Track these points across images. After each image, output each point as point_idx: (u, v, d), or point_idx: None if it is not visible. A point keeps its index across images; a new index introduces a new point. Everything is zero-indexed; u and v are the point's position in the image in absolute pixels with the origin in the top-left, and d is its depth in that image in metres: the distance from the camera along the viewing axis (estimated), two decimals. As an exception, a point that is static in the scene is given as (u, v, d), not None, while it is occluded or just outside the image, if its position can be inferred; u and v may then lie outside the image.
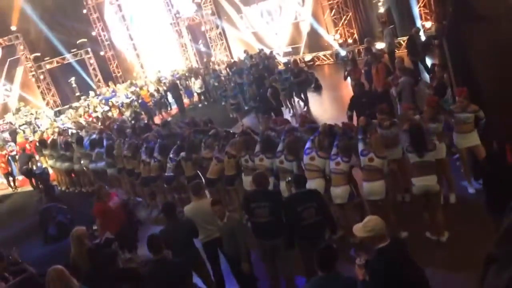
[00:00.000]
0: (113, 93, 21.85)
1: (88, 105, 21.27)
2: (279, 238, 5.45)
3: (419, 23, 15.03)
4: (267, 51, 18.80)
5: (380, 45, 14.53)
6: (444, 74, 7.52)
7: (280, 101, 11.83)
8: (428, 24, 15.11)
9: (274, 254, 5.59)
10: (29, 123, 20.77)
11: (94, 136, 12.22)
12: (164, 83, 20.53)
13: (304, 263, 5.41)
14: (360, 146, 6.14)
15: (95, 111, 19.68)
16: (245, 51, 19.41)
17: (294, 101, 13.47)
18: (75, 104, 22.59)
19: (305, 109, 13.02)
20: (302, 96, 13.31)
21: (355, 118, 8.53)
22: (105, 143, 11.08)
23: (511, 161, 4.85)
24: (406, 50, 13.63)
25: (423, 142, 5.79)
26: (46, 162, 14.07)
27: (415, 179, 5.88)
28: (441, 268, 5.33)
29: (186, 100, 19.49)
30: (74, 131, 15.77)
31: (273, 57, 18.05)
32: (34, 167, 13.99)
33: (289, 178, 6.29)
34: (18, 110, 23.35)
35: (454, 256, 5.55)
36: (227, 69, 18.75)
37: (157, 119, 17.59)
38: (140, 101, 18.60)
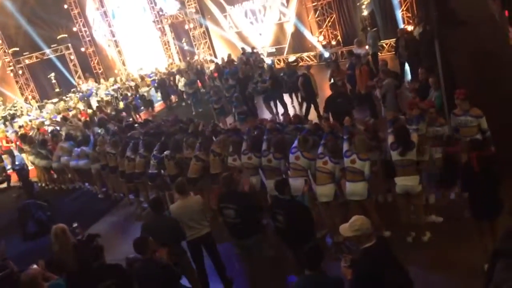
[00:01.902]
0: (91, 90, 21.54)
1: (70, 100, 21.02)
2: (249, 239, 5.54)
3: (401, 26, 15.22)
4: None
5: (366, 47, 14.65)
6: (428, 77, 7.63)
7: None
8: (410, 28, 15.31)
9: (248, 252, 5.69)
10: (18, 116, 20.36)
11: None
12: (154, 79, 20.27)
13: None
14: (345, 147, 6.21)
15: (74, 109, 19.39)
16: (242, 49, 18.98)
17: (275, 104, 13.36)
18: (68, 97, 22.16)
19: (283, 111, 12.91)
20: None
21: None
22: (92, 139, 10.94)
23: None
24: (389, 53, 13.89)
25: (407, 141, 5.89)
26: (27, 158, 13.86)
27: (397, 178, 5.97)
28: (423, 267, 5.41)
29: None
30: (52, 128, 15.52)
31: (250, 62, 17.05)
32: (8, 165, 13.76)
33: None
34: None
35: (435, 255, 5.65)
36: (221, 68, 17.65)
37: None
38: (121, 97, 18.42)
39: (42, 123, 16.92)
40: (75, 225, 6.01)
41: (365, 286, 3.72)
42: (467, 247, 5.51)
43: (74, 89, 22.68)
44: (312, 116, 10.24)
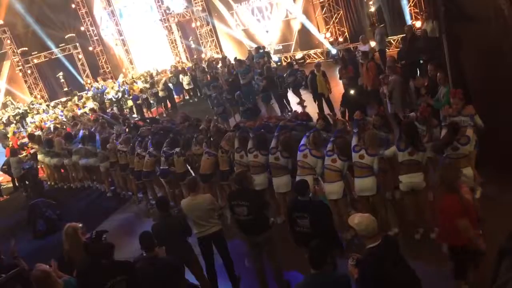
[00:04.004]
0: (104, 87, 21.67)
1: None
2: (261, 235, 5.53)
3: (409, 22, 15.14)
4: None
5: (371, 44, 14.59)
6: (436, 73, 7.58)
7: (316, 89, 11.51)
8: (418, 24, 15.21)
9: (259, 249, 5.67)
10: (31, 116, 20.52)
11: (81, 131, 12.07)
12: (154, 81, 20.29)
13: None
14: (353, 141, 6.18)
15: (83, 107, 19.51)
16: (256, 48, 18.62)
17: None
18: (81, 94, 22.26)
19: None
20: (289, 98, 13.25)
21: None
22: (97, 136, 10.99)
23: None
24: (397, 49, 13.78)
25: (417, 139, 5.85)
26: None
27: (402, 176, 5.92)
28: (432, 264, 5.39)
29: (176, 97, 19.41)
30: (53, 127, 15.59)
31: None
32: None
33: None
34: (5, 104, 23.10)
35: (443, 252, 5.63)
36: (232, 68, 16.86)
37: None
38: (131, 96, 18.53)
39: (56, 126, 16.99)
40: (80, 225, 6.00)
41: (369, 286, 3.73)
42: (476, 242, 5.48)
43: (94, 86, 22.58)
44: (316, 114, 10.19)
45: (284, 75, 13.18)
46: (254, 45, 19.88)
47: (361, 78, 11.28)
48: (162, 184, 9.20)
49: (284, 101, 12.93)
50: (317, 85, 11.45)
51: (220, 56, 21.66)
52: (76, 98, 21.27)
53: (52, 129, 14.93)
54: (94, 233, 5.32)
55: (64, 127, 14.96)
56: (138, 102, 17.95)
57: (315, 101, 11.83)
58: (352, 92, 9.81)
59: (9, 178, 14.56)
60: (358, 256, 3.88)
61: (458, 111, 6.28)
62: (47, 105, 22.55)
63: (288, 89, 13.20)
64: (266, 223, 5.66)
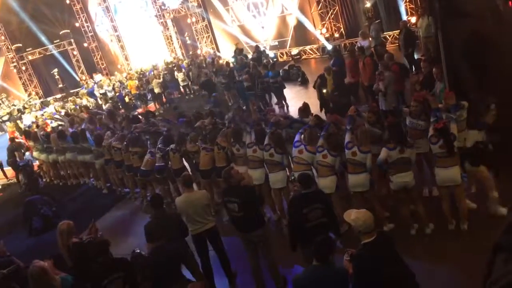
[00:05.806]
0: (93, 86, 21.58)
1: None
2: (254, 232, 5.54)
3: (404, 18, 15.16)
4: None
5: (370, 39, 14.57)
6: (432, 68, 7.60)
7: (325, 92, 10.57)
8: (414, 19, 15.23)
9: (254, 245, 5.69)
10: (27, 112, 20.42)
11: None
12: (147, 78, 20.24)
13: (305, 260, 5.18)
14: (347, 138, 6.19)
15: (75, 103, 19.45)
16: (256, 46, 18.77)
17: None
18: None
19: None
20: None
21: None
22: (88, 134, 10.93)
23: None
24: (393, 45, 13.78)
25: (404, 137, 5.86)
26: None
27: (393, 176, 5.91)
28: (426, 259, 5.42)
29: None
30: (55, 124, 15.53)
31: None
32: (18, 159, 13.74)
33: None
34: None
35: (438, 247, 5.65)
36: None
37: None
38: (117, 94, 18.51)
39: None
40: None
41: (363, 281, 3.75)
42: (470, 238, 5.52)
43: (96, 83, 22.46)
44: (312, 110, 10.18)
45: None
46: (250, 41, 19.84)
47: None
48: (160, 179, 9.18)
49: (263, 101, 12.99)
50: (328, 91, 10.56)
51: (215, 52, 21.65)
52: (82, 91, 21.16)
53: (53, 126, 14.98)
54: (86, 240, 5.31)
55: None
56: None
57: (321, 110, 10.49)
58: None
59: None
60: (352, 251, 3.90)
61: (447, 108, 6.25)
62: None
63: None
64: (260, 220, 5.67)
